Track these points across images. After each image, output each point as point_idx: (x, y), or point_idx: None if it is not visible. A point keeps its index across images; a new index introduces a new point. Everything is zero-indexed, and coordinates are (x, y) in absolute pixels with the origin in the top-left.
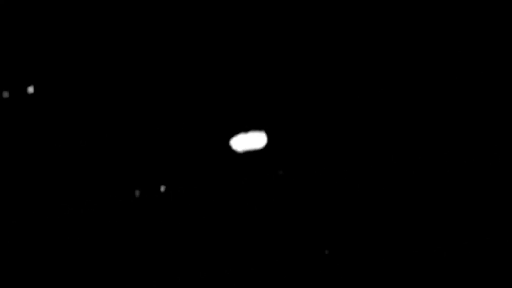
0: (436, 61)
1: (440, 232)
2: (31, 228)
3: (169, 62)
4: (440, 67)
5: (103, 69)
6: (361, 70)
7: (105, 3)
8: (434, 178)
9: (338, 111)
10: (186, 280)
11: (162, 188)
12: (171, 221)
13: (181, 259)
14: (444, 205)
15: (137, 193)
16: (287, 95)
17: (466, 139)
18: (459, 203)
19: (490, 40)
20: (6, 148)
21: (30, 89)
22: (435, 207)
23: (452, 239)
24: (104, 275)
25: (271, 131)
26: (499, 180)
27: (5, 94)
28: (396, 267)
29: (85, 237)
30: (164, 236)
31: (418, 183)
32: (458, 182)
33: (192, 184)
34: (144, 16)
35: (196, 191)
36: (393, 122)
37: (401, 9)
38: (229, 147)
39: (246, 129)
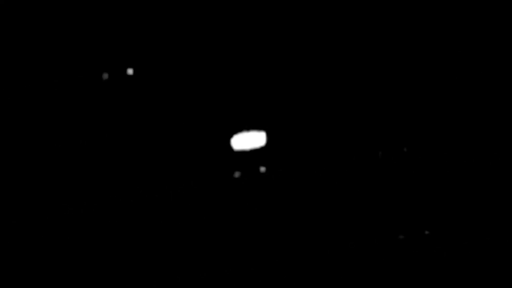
0: (436, 61)
1: (440, 232)
2: (31, 228)
3: (169, 62)
4: (440, 67)
5: (103, 69)
6: (361, 70)
7: (105, 3)
8: (434, 178)
9: (338, 111)
10: (186, 280)
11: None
12: (171, 221)
13: (181, 259)
14: (444, 205)
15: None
16: (287, 95)
17: (466, 139)
18: (459, 203)
19: (490, 40)
20: (6, 148)
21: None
22: (435, 207)
23: (452, 239)
24: (104, 275)
25: (271, 131)
26: (499, 180)
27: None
28: (396, 267)
29: (85, 237)
30: (164, 236)
31: (418, 183)
32: (458, 182)
33: (192, 184)
34: (144, 16)
35: (196, 191)
36: (393, 122)
37: (401, 9)
38: (229, 147)
39: (246, 128)
